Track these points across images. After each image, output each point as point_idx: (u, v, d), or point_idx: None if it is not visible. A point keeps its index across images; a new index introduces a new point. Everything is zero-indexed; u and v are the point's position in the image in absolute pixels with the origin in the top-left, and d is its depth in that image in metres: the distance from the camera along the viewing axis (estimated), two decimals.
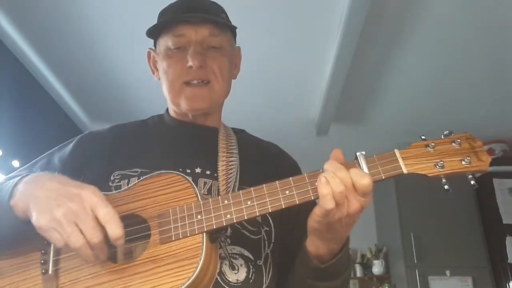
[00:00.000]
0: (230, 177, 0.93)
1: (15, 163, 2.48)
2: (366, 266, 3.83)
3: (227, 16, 1.06)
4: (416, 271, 3.19)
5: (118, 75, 2.93)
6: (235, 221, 0.76)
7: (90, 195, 0.71)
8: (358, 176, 0.72)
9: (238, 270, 0.85)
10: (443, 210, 3.30)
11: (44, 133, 2.82)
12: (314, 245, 0.80)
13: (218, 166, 0.94)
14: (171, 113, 1.07)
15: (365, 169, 0.74)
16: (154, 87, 3.00)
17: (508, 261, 3.19)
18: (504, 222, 3.28)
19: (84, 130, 3.50)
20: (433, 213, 3.33)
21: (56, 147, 1.01)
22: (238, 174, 0.94)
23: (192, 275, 0.70)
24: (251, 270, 0.87)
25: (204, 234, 0.75)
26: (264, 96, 3.04)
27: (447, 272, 3.18)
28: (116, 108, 3.26)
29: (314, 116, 3.39)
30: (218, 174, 0.93)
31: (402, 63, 2.78)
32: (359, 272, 3.82)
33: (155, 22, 1.05)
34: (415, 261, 3.22)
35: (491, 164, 0.78)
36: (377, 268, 3.66)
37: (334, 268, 0.81)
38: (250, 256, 0.88)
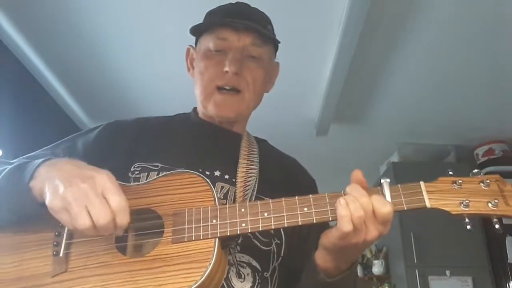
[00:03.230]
0: (248, 185, 0.92)
1: None
2: (366, 266, 3.83)
3: (273, 29, 1.06)
4: (416, 271, 3.19)
5: (118, 75, 2.93)
6: (249, 231, 0.75)
7: (104, 179, 0.70)
8: (380, 203, 0.71)
9: (244, 279, 0.85)
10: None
11: (44, 133, 2.82)
12: (323, 259, 0.79)
13: (238, 172, 0.94)
14: (199, 113, 1.07)
15: (388, 198, 0.73)
16: (154, 87, 3.03)
17: (508, 261, 3.18)
18: (504, 222, 3.27)
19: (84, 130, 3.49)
20: (433, 213, 3.33)
21: (80, 132, 1.02)
22: (257, 183, 0.94)
23: (200, 279, 0.71)
24: (257, 281, 0.86)
25: (217, 239, 0.74)
26: (264, 96, 3.04)
27: (447, 272, 3.17)
28: (116, 108, 3.26)
29: (314, 116, 3.38)
30: (237, 180, 0.92)
31: (402, 63, 2.78)
32: (359, 272, 3.82)
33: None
34: (415, 261, 3.22)
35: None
36: (377, 268, 3.66)
37: (340, 284, 0.80)
38: (258, 267, 0.87)
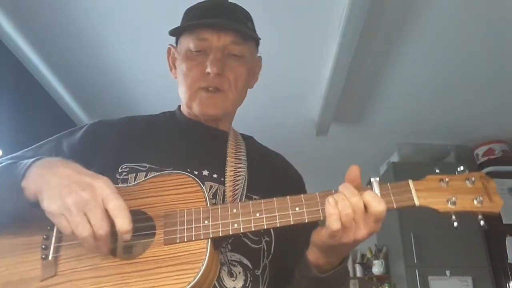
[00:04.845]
0: (238, 184, 0.92)
1: None
2: (366, 266, 3.83)
3: (253, 25, 1.05)
4: (416, 271, 3.19)
5: (118, 74, 2.93)
6: (241, 232, 0.75)
7: (103, 186, 0.70)
8: (375, 201, 0.71)
9: (236, 277, 0.84)
10: None
11: (44, 133, 2.81)
12: (314, 256, 0.80)
13: (226, 171, 0.93)
14: (184, 111, 1.06)
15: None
16: (153, 87, 3.03)
17: (508, 261, 3.18)
18: (504, 222, 3.27)
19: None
20: (433, 213, 3.33)
21: (64, 132, 1.00)
22: (246, 181, 0.94)
23: (193, 280, 0.70)
24: (249, 279, 0.86)
25: (209, 240, 0.74)
26: (264, 96, 3.04)
27: (447, 272, 3.18)
28: (115, 107, 3.26)
29: (314, 116, 3.39)
30: (226, 180, 0.92)
31: (402, 63, 2.78)
32: (359, 272, 3.82)
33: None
34: (415, 261, 3.22)
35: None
36: (377, 268, 3.66)
37: (332, 279, 0.81)
38: (249, 265, 0.87)
